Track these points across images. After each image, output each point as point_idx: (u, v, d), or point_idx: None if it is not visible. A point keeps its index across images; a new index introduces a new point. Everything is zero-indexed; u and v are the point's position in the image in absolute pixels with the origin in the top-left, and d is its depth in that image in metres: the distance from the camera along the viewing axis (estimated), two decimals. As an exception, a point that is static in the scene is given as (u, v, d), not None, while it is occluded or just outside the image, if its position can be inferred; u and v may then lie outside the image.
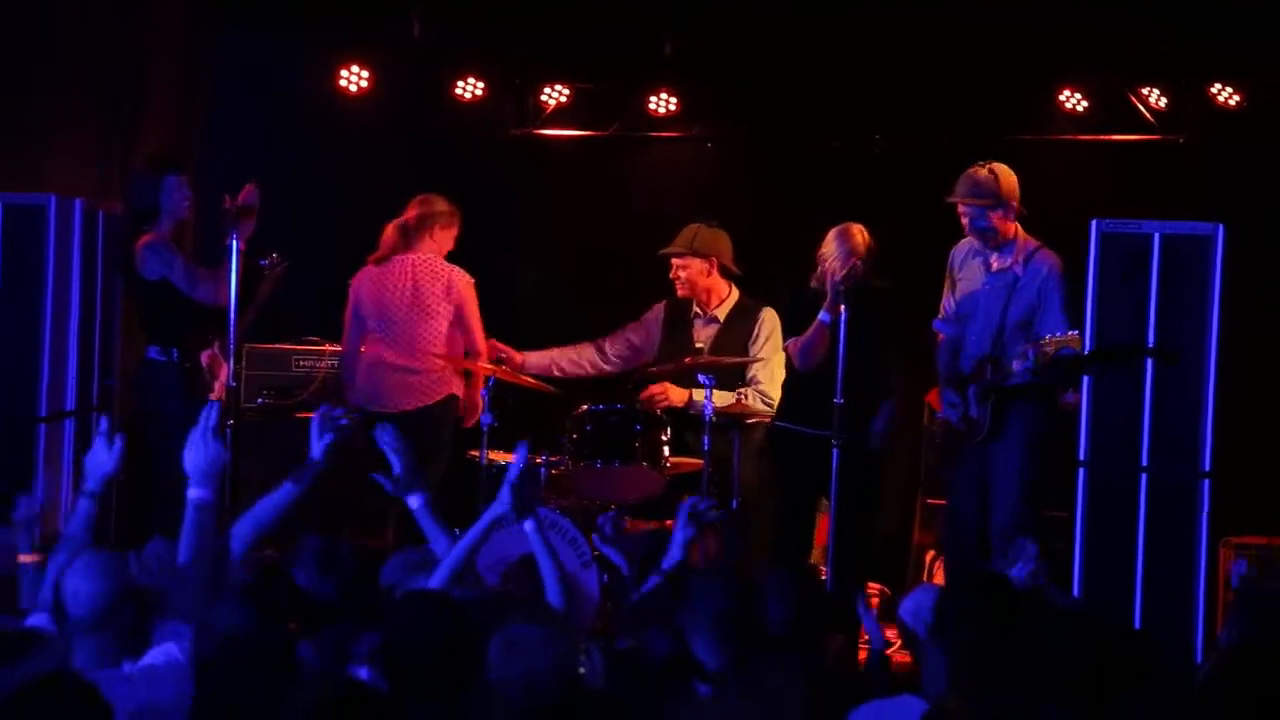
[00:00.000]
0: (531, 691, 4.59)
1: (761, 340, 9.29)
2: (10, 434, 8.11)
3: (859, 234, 8.56)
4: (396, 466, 6.07)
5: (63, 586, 5.24)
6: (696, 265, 9.34)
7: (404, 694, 4.60)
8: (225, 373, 8.84)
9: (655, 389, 9.16)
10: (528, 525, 5.92)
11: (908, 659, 7.13)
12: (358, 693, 4.35)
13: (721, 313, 9.42)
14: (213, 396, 8.78)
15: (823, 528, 9.75)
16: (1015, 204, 8.17)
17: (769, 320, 9.31)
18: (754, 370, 9.22)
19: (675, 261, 9.37)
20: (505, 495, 5.82)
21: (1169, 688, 5.03)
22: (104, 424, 5.75)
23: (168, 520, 5.80)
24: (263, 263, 8.89)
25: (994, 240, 8.21)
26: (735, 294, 9.46)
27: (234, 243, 8.41)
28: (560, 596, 5.83)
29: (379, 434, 6.10)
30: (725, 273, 9.41)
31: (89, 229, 8.39)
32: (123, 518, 8.21)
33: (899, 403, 8.73)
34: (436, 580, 5.68)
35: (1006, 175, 8.20)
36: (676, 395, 9.15)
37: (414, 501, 6.05)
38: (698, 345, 9.32)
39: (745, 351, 9.24)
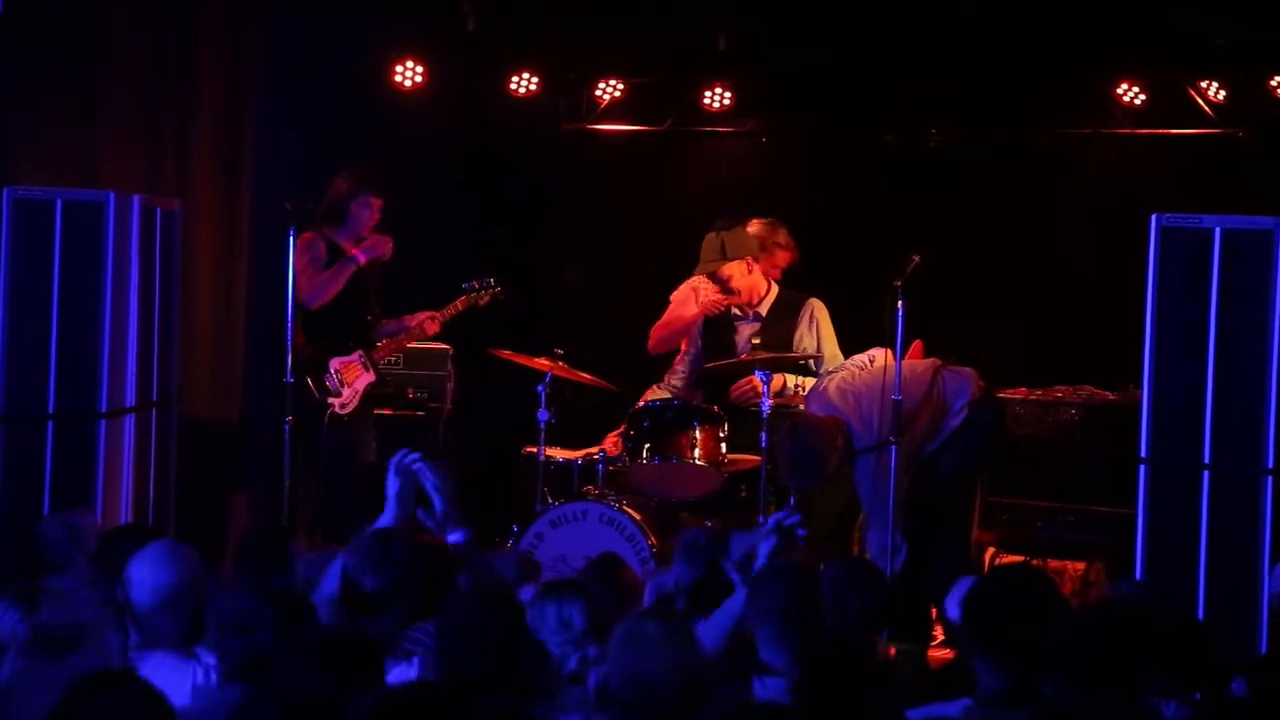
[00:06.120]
0: (645, 689, 4.59)
1: (812, 333, 9.24)
2: (71, 430, 8.12)
3: None
4: (438, 505, 5.99)
5: (130, 573, 5.21)
6: (738, 270, 9.29)
7: (465, 689, 4.55)
8: (361, 382, 9.05)
9: (744, 383, 9.12)
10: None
11: (949, 654, 7.07)
12: (420, 692, 4.28)
13: (763, 309, 9.38)
14: (337, 403, 8.89)
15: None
16: None
17: (814, 311, 9.28)
18: (826, 364, 9.15)
19: (723, 274, 9.30)
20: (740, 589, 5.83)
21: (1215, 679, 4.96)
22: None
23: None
24: (471, 284, 9.36)
25: None
26: (775, 289, 9.42)
27: (290, 240, 8.56)
28: None
29: (421, 472, 5.96)
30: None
31: (147, 225, 8.42)
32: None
33: None
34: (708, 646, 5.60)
35: None
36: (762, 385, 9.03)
37: (454, 538, 6.01)
38: (754, 342, 9.27)
39: (788, 346, 9.19)
